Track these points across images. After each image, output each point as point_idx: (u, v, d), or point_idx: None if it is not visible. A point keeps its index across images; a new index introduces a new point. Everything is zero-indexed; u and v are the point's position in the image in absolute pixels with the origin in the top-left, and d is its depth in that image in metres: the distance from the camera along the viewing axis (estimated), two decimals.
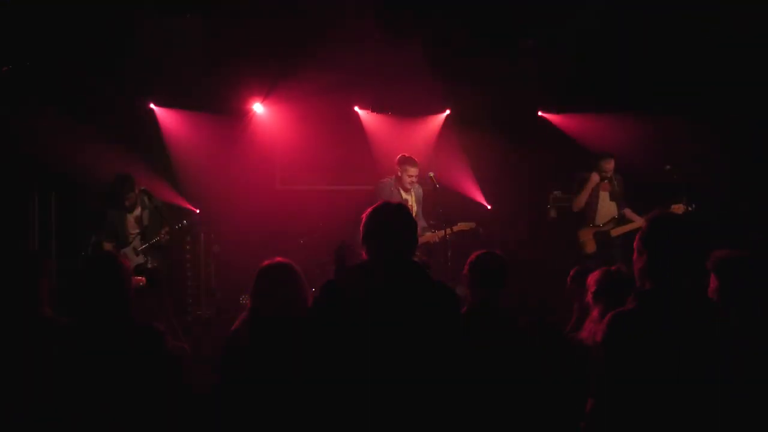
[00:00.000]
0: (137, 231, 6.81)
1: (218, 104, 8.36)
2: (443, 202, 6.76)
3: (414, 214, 6.48)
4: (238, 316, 3.35)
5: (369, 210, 2.65)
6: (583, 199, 7.11)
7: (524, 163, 8.74)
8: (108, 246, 6.78)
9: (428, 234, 6.65)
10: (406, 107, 8.97)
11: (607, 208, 7.12)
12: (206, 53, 8.01)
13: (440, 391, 2.44)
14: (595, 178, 7.08)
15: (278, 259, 3.38)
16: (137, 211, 6.89)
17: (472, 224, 7.07)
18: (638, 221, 6.81)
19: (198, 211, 7.47)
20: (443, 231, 6.55)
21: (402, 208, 2.70)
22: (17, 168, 7.40)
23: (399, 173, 6.53)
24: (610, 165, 7.05)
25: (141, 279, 6.34)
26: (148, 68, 7.88)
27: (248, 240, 8.24)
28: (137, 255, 6.76)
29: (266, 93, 8.55)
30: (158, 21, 7.71)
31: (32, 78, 7.33)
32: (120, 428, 2.66)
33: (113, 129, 7.87)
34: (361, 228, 2.62)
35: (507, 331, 3.29)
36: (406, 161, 6.54)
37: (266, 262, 3.37)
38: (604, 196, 7.13)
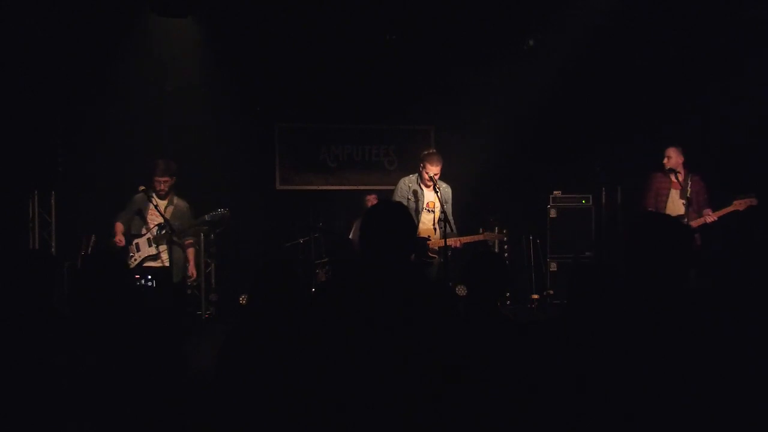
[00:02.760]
0: (158, 222, 6.55)
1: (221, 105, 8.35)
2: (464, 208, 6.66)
3: (438, 214, 6.33)
4: (238, 316, 3.36)
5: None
6: (646, 197, 6.84)
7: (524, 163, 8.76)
8: (120, 228, 6.61)
9: (451, 239, 6.27)
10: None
11: (675, 206, 6.70)
12: (208, 54, 8.03)
13: (438, 393, 2.44)
14: (656, 178, 6.80)
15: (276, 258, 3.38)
16: (166, 202, 6.64)
17: (500, 235, 6.74)
18: (702, 219, 6.51)
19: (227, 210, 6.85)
20: (467, 237, 6.39)
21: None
22: (17, 168, 7.39)
23: (420, 169, 6.40)
24: (668, 153, 6.72)
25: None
26: (150, 68, 7.88)
27: (248, 240, 8.26)
28: (150, 246, 6.59)
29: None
30: (160, 22, 7.71)
31: (32, 77, 7.33)
32: (123, 426, 2.67)
33: (114, 129, 7.89)
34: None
35: (506, 332, 3.29)
36: (425, 157, 6.37)
37: (265, 262, 3.37)
38: (674, 194, 6.74)
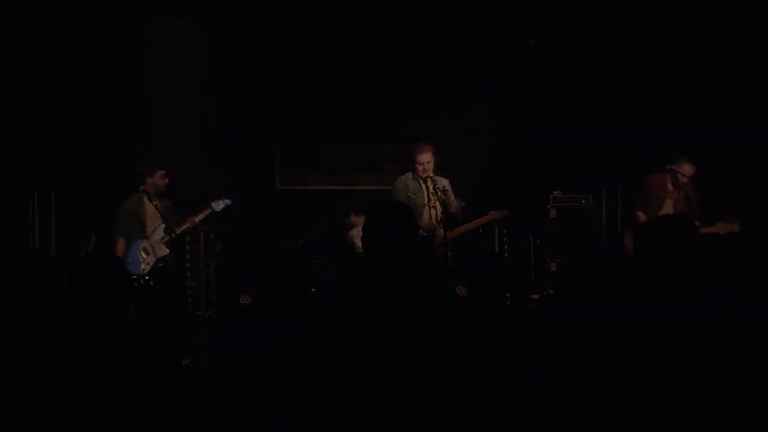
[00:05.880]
0: (159, 222, 6.63)
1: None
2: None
3: (439, 209, 6.08)
4: (238, 315, 3.35)
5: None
6: (642, 205, 6.82)
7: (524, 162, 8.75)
8: (121, 244, 6.62)
9: (462, 227, 6.29)
10: None
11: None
12: (208, 54, 8.03)
13: (439, 393, 2.44)
14: (658, 181, 6.72)
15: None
16: (157, 201, 6.66)
17: (505, 212, 6.64)
18: None
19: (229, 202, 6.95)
20: (472, 223, 6.29)
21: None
22: (17, 168, 7.39)
23: (415, 165, 6.19)
24: (682, 167, 6.61)
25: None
26: (150, 68, 7.88)
27: (248, 240, 8.25)
28: (162, 247, 6.68)
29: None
30: (160, 22, 7.71)
31: (32, 77, 7.33)
32: (121, 427, 2.66)
33: (114, 128, 7.88)
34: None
35: (506, 333, 3.29)
36: (414, 149, 6.16)
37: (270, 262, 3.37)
38: (668, 204, 6.70)
